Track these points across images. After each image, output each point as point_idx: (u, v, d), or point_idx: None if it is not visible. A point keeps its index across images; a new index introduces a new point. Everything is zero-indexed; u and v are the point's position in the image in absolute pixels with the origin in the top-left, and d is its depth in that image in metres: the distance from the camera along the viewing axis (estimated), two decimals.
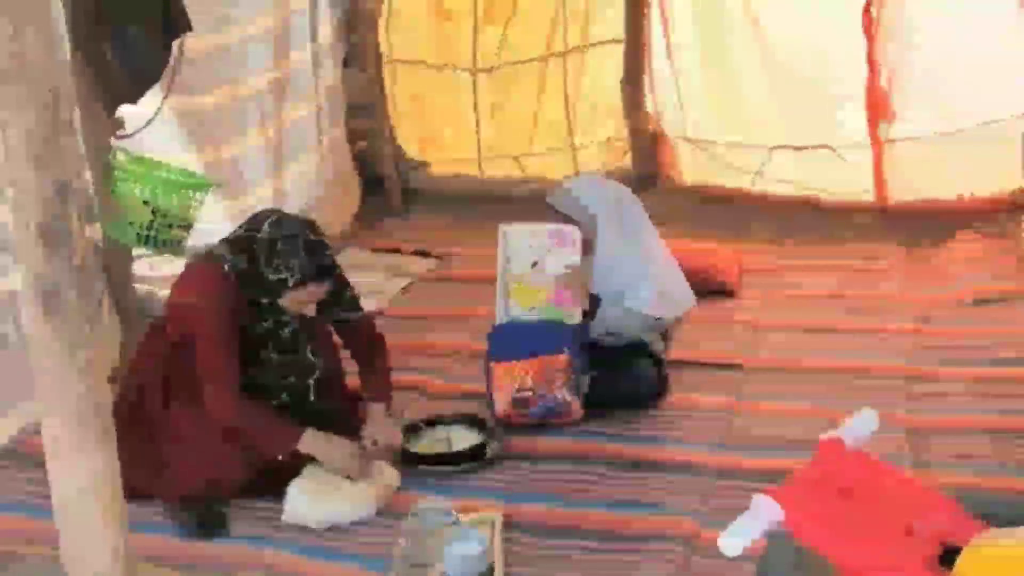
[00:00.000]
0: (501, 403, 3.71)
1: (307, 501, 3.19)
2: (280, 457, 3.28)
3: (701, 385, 3.99)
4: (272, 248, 3.24)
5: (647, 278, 3.79)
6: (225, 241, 3.39)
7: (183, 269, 3.53)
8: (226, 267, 3.28)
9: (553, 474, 3.43)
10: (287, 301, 3.32)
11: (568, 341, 3.71)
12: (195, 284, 3.36)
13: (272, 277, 3.25)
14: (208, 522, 3.18)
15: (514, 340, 3.77)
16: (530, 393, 3.68)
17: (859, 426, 1.89)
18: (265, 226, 3.29)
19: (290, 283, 3.25)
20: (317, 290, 3.32)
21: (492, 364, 3.74)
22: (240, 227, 3.42)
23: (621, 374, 3.79)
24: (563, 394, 3.68)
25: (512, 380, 3.69)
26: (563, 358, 3.67)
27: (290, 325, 3.40)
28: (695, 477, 3.37)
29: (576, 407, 3.71)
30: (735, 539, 1.69)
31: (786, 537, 1.77)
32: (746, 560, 1.97)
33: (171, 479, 3.25)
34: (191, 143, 4.76)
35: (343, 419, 3.46)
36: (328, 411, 3.44)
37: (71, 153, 1.81)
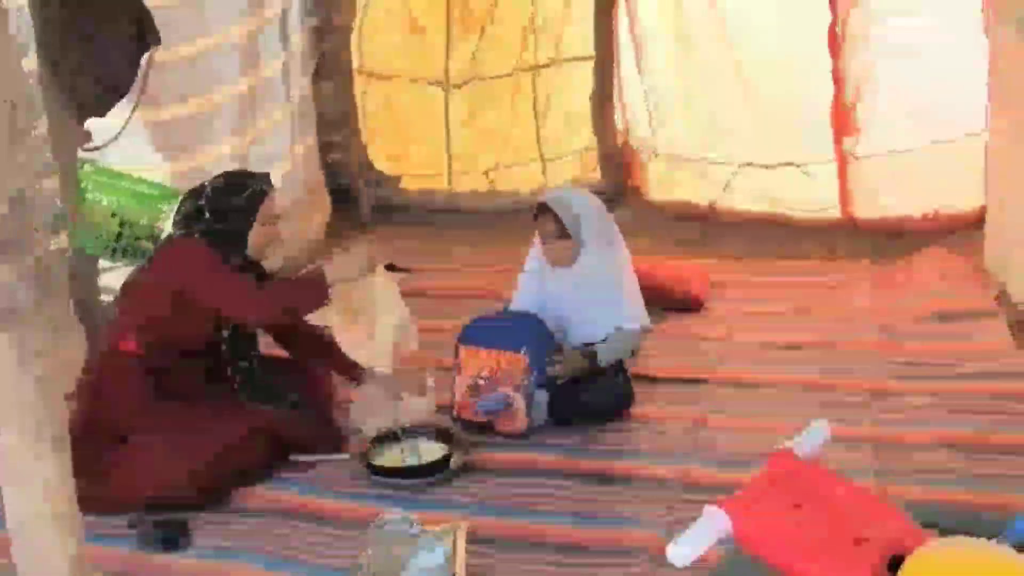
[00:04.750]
0: (460, 389, 3.75)
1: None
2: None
3: (667, 399, 4.01)
4: (228, 181, 3.56)
5: (625, 292, 3.86)
6: (178, 223, 3.57)
7: (153, 255, 3.64)
8: (197, 235, 3.49)
9: (518, 487, 3.44)
10: (257, 232, 3.54)
11: (530, 344, 3.73)
12: (178, 251, 3.52)
13: (243, 201, 3.50)
14: (170, 534, 3.17)
15: (486, 330, 3.83)
16: (483, 382, 3.71)
17: (810, 437, 1.91)
18: (205, 186, 3.57)
19: (262, 191, 3.54)
20: (272, 204, 3.57)
21: (460, 346, 3.79)
22: (178, 212, 3.62)
23: (587, 387, 3.81)
24: (512, 396, 3.69)
25: (474, 366, 3.75)
26: (521, 358, 3.70)
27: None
28: (660, 491, 3.38)
29: (521, 415, 3.70)
30: (683, 549, 1.70)
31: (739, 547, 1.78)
32: (703, 570, 1.99)
33: (137, 487, 3.27)
34: (161, 154, 4.75)
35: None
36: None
37: (28, 163, 1.80)
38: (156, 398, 3.41)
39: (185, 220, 3.54)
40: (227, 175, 3.64)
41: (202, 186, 3.60)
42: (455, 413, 3.80)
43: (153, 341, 3.46)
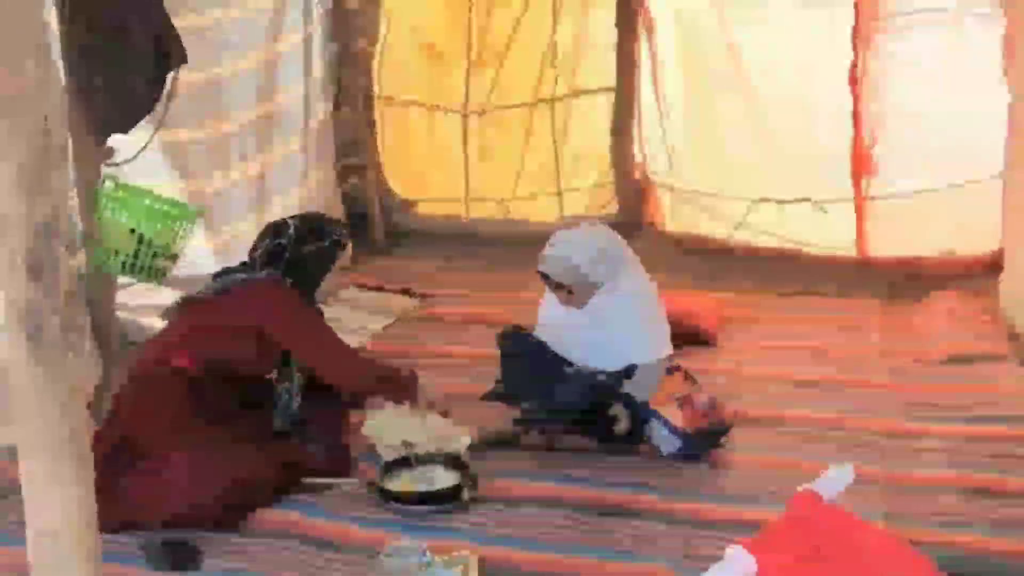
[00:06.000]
0: (675, 415, 3.79)
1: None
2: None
3: None
4: (311, 226, 3.68)
5: (639, 325, 3.89)
6: (258, 260, 3.64)
7: (235, 295, 3.61)
8: (279, 273, 3.60)
9: (530, 518, 3.42)
10: (333, 273, 3.73)
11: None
12: (276, 298, 3.58)
13: (325, 248, 3.65)
14: (180, 555, 3.16)
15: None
16: (684, 394, 3.86)
17: (834, 480, 1.90)
18: (288, 224, 3.68)
19: (343, 243, 3.73)
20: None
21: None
22: (257, 247, 3.67)
23: (594, 416, 3.81)
24: (705, 396, 3.89)
25: (665, 395, 3.84)
26: (679, 374, 3.95)
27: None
28: (671, 525, 3.36)
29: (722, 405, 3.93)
30: None
31: None
32: None
33: (160, 505, 3.25)
34: (177, 175, 4.77)
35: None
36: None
37: (61, 186, 1.81)
38: (190, 416, 3.41)
39: (265, 258, 3.63)
40: (310, 218, 3.79)
41: (284, 223, 3.70)
42: (691, 434, 3.77)
43: (212, 363, 3.49)
